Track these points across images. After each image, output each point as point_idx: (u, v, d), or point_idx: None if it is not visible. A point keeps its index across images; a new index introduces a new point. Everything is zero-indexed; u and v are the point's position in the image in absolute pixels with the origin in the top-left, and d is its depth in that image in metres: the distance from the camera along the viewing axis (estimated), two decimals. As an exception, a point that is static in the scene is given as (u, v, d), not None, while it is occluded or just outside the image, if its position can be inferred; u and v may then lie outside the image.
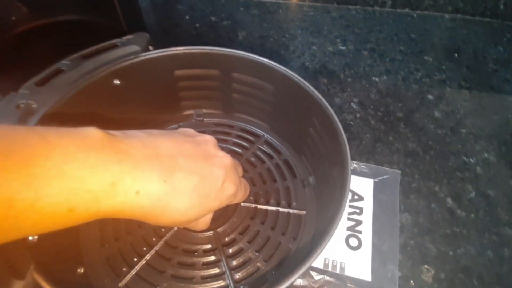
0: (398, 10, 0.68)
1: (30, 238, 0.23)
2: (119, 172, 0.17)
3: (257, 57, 0.34)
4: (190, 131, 0.27)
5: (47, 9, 0.28)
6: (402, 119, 0.47)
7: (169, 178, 0.20)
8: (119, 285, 0.29)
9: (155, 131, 0.22)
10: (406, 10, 0.68)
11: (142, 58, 0.33)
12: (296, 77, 0.32)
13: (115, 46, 0.33)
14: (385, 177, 0.40)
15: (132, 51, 0.33)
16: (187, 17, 0.65)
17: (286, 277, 0.21)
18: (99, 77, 0.31)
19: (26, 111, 0.27)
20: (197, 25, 0.63)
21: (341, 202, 0.25)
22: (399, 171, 0.41)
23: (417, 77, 0.54)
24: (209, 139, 0.26)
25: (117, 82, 0.33)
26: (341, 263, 0.33)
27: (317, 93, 0.31)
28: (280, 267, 0.30)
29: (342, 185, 0.26)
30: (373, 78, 0.53)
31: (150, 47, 0.34)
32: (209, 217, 0.27)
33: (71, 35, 0.42)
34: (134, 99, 0.35)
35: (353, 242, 0.35)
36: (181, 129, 0.27)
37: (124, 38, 0.33)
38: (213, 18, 0.64)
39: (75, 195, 0.16)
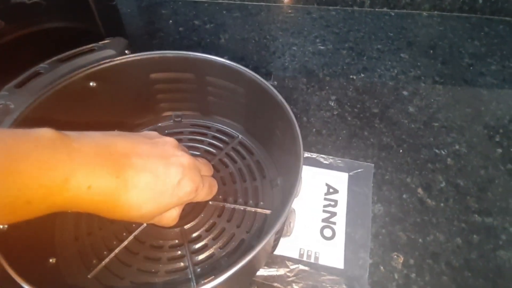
0: (376, 10, 0.69)
1: (0, 227, 0.24)
2: (71, 169, 0.19)
3: (227, 61, 0.35)
4: (153, 133, 0.28)
5: (25, 20, 0.30)
6: (377, 114, 0.49)
7: (121, 174, 0.21)
8: (88, 276, 0.30)
9: (115, 133, 0.24)
10: (385, 9, 0.69)
11: (117, 61, 0.34)
12: (261, 80, 0.34)
13: (92, 50, 0.34)
14: (359, 170, 0.41)
15: (108, 55, 0.34)
16: (171, 21, 0.66)
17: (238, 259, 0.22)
18: (75, 79, 0.32)
19: (4, 111, 0.28)
20: (181, 29, 0.64)
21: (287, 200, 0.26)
22: (373, 165, 0.42)
23: (393, 74, 0.56)
24: (169, 140, 0.27)
25: (93, 84, 0.34)
26: (315, 253, 0.35)
27: (280, 96, 0.32)
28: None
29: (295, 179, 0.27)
30: (351, 76, 0.55)
31: (127, 51, 0.36)
32: (175, 213, 0.28)
33: (52, 43, 0.43)
34: (111, 101, 0.36)
35: (328, 232, 0.36)
36: (144, 132, 0.28)
37: (101, 42, 0.35)
38: (196, 22, 0.66)
39: (31, 189, 0.18)
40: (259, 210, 0.35)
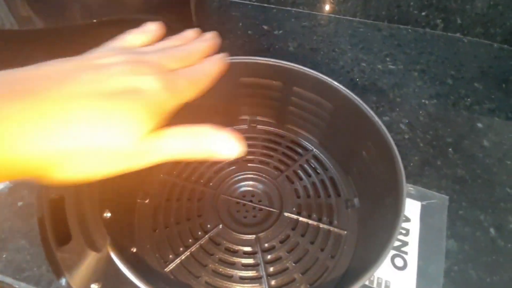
0: (449, 34, 0.67)
1: (105, 215, 0.25)
2: None
3: (320, 75, 0.35)
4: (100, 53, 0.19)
5: (125, 7, 0.30)
6: (451, 144, 0.47)
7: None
8: (165, 270, 0.31)
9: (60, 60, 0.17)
10: (457, 34, 0.67)
11: (214, 62, 0.35)
12: (358, 100, 0.33)
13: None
14: (432, 201, 0.40)
15: (205, 55, 0.35)
16: (240, 24, 0.67)
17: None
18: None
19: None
20: (250, 32, 0.65)
21: (394, 231, 0.25)
22: (447, 197, 0.41)
23: (467, 103, 0.54)
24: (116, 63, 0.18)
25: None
26: (386, 281, 0.34)
27: (376, 118, 0.32)
28: (315, 283, 0.31)
29: (395, 213, 0.27)
30: (423, 100, 0.53)
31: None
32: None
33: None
34: (200, 99, 0.37)
35: (399, 262, 0.35)
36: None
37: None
38: (265, 27, 0.66)
39: None
40: (334, 229, 0.34)
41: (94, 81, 0.16)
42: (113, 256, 0.22)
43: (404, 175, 0.28)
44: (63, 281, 0.18)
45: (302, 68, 0.35)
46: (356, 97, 0.33)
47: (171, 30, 0.45)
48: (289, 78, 0.37)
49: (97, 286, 0.19)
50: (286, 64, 0.36)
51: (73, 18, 0.29)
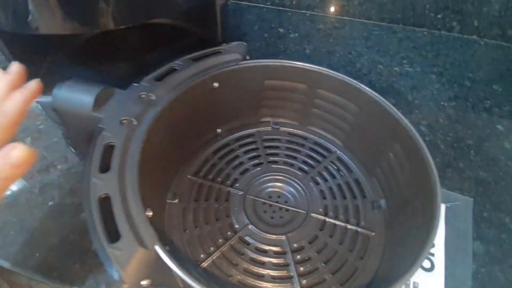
0: (465, 36, 0.67)
1: (147, 213, 0.25)
2: None
3: (346, 77, 0.35)
4: None
5: (151, 11, 0.31)
6: (472, 146, 0.47)
7: None
8: (197, 268, 0.31)
9: None
10: (474, 37, 0.67)
11: (241, 65, 0.36)
12: (385, 103, 0.33)
13: (218, 52, 0.35)
14: (456, 203, 0.40)
15: (233, 58, 0.35)
16: (256, 27, 0.68)
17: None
18: (204, 78, 0.34)
19: (147, 101, 0.30)
20: (266, 35, 0.66)
21: (429, 235, 0.26)
22: (472, 199, 0.41)
23: (486, 105, 0.54)
24: None
25: (215, 84, 0.35)
26: (414, 283, 0.34)
27: (405, 120, 0.32)
28: (345, 284, 0.31)
29: (429, 218, 0.27)
30: (442, 102, 0.53)
31: (247, 56, 0.37)
32: None
33: (165, 36, 0.45)
34: (226, 101, 0.38)
35: (426, 263, 0.35)
36: None
37: (226, 45, 0.36)
38: (281, 30, 0.67)
39: None
40: (362, 230, 0.34)
41: None
42: (161, 253, 0.22)
43: (438, 179, 0.28)
44: (115, 275, 0.19)
45: (328, 71, 0.36)
46: (383, 99, 0.33)
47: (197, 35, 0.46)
48: (314, 81, 0.37)
49: (146, 283, 0.20)
50: (312, 67, 0.36)
51: (105, 24, 0.29)
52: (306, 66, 0.36)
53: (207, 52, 0.35)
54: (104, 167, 0.24)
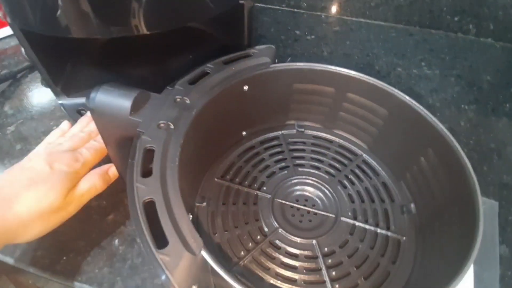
0: (481, 39, 0.67)
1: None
2: None
3: (378, 81, 0.35)
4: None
5: (184, 16, 0.31)
6: (494, 150, 0.47)
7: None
8: (230, 272, 0.31)
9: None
10: (489, 40, 0.67)
11: (271, 69, 0.35)
12: (417, 106, 0.33)
13: (248, 56, 0.35)
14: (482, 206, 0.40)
15: (263, 62, 0.35)
16: (272, 29, 0.68)
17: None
18: (235, 82, 0.34)
19: (182, 105, 0.30)
20: (283, 37, 0.66)
21: (472, 246, 0.25)
22: (497, 203, 0.41)
23: (506, 109, 0.53)
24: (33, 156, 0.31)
25: (246, 88, 0.35)
26: (444, 287, 0.34)
27: (440, 125, 0.32)
28: None
29: (470, 227, 0.26)
30: (462, 105, 0.53)
31: (276, 60, 0.37)
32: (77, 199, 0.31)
33: (192, 39, 0.45)
34: (254, 104, 0.37)
35: (456, 268, 0.35)
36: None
37: (256, 49, 0.36)
38: (297, 32, 0.67)
39: None
40: (392, 234, 0.34)
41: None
42: (208, 259, 0.22)
43: (478, 187, 0.28)
44: (166, 281, 0.19)
45: (357, 74, 0.36)
46: (417, 103, 0.33)
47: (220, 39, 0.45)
48: (343, 84, 0.37)
49: (196, 288, 0.20)
50: (342, 70, 0.36)
51: (138, 28, 0.29)
52: (336, 69, 0.36)
53: (237, 55, 0.35)
54: (146, 172, 0.24)
